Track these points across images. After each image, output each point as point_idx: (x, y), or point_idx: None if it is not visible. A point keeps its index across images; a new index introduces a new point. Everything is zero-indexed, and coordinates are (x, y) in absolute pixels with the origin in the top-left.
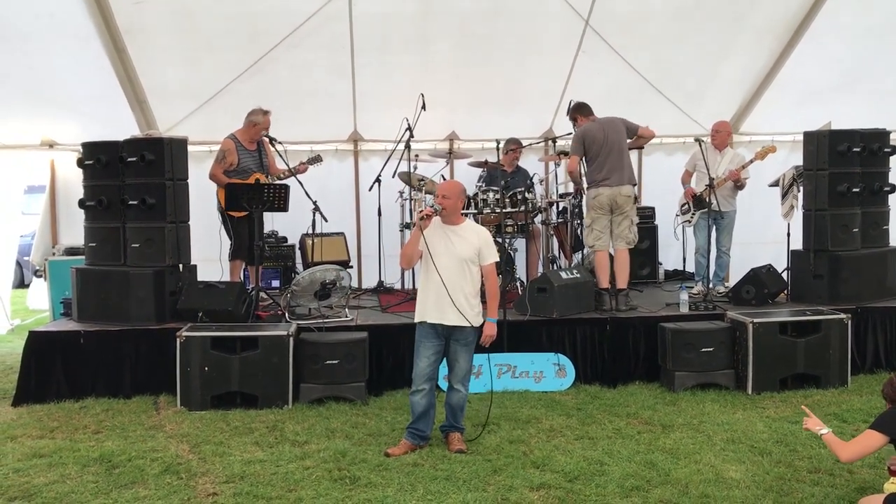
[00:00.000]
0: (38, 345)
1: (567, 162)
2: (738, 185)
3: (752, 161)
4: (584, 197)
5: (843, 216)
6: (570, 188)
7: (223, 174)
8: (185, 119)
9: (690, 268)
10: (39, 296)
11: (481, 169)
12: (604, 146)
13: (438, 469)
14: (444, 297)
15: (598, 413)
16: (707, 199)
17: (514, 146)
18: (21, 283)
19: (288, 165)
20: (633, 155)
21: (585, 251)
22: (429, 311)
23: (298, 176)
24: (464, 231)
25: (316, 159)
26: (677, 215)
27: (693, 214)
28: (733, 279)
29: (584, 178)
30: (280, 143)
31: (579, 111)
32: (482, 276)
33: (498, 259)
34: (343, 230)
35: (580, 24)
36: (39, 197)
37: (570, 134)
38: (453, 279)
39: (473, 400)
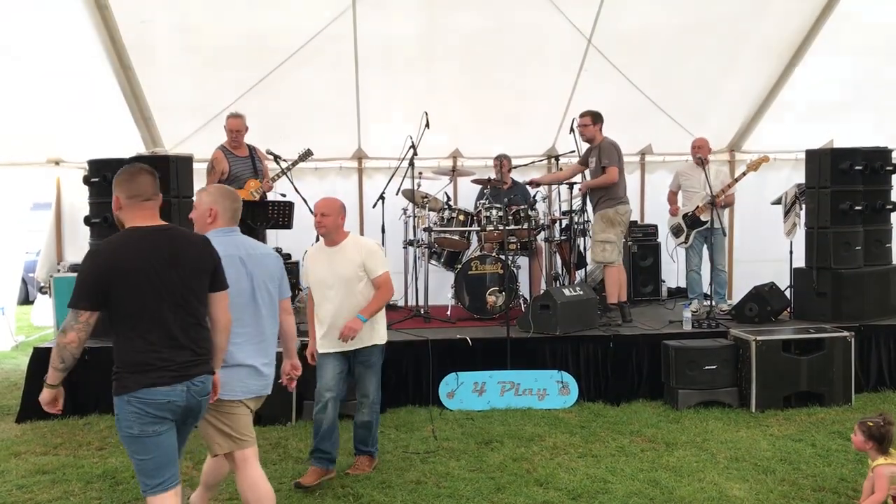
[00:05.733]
0: (43, 361)
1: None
2: (727, 202)
3: (745, 173)
4: (595, 212)
5: (846, 234)
6: (575, 205)
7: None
8: (191, 136)
9: None
10: (44, 312)
11: (482, 186)
12: (622, 164)
13: (442, 487)
14: (337, 324)
15: (602, 431)
16: (710, 217)
17: (500, 160)
18: (26, 300)
19: (287, 175)
20: (637, 172)
21: (589, 268)
22: (325, 341)
23: (303, 193)
24: (345, 249)
25: (306, 154)
26: (672, 236)
27: (688, 235)
28: (736, 297)
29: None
30: (284, 159)
31: (601, 122)
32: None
33: (387, 269)
34: None
35: (583, 42)
36: (45, 214)
37: (573, 151)
38: (342, 303)
39: (477, 417)
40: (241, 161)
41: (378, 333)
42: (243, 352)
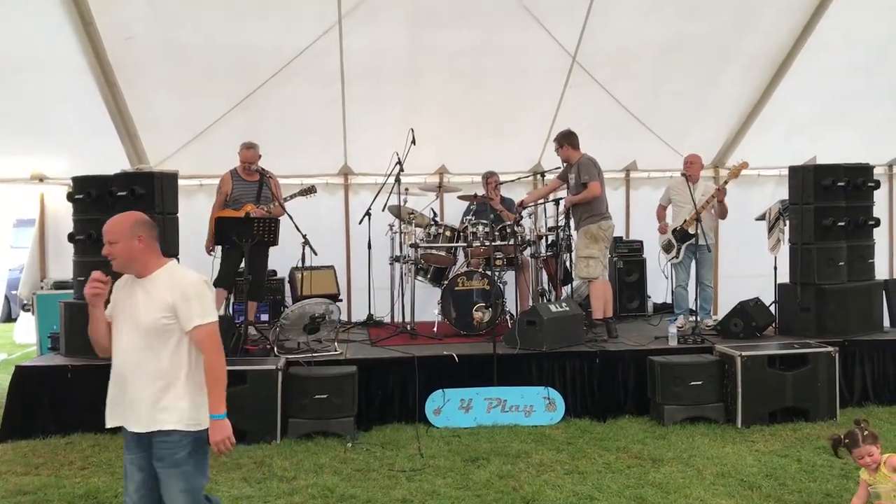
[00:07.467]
0: (25, 379)
1: (590, 187)
2: (722, 213)
3: (726, 181)
4: (581, 228)
5: (829, 250)
6: (561, 221)
7: (220, 206)
8: (176, 153)
9: None
10: (27, 330)
11: (468, 203)
12: (602, 178)
13: None
14: (125, 389)
15: (588, 447)
16: (694, 230)
17: (487, 178)
18: (8, 317)
19: (281, 202)
20: (622, 188)
21: (575, 284)
22: (109, 408)
23: (288, 209)
24: (152, 284)
25: (309, 190)
26: (663, 252)
27: (678, 249)
28: (722, 312)
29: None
30: (270, 176)
31: (573, 141)
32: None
33: (214, 320)
34: (333, 263)
35: (567, 59)
36: (28, 230)
37: (559, 167)
38: (135, 360)
39: (464, 434)
40: (246, 185)
41: (177, 411)
42: None
